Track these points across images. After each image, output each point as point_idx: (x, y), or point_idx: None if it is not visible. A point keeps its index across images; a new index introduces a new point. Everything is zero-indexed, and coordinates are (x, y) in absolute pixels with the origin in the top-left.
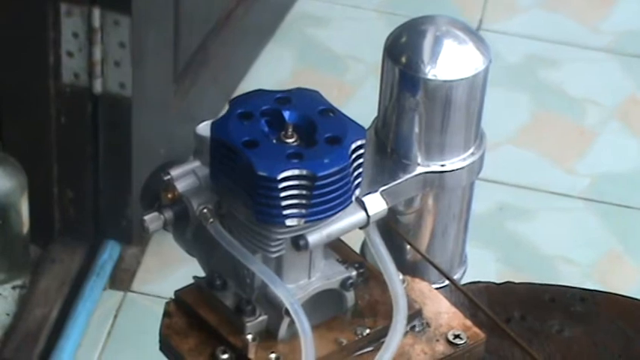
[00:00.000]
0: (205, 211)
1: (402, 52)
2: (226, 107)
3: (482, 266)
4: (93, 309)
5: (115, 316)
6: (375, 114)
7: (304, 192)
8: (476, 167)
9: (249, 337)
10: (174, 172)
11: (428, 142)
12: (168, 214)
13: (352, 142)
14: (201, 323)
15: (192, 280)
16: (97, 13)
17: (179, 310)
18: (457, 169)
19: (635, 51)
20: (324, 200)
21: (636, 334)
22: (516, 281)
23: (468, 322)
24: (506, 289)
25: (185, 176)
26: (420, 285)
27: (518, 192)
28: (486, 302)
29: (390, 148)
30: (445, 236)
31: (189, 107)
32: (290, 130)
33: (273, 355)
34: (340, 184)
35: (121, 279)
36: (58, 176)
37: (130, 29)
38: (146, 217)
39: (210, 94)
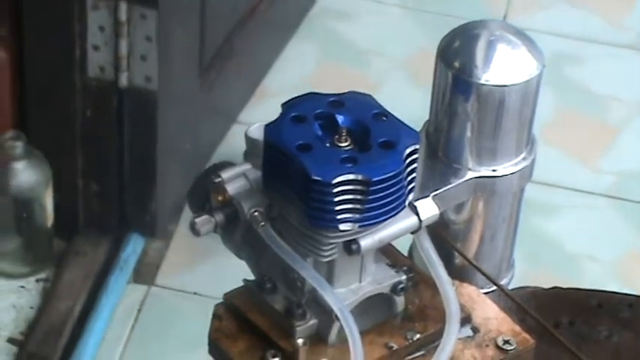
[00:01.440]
0: (256, 214)
1: (456, 57)
2: (252, 100)
3: None
4: (117, 303)
5: (139, 310)
6: (401, 108)
7: (358, 197)
8: (527, 172)
9: (300, 341)
10: (225, 175)
11: (479, 147)
12: (219, 216)
13: (406, 147)
14: (251, 327)
15: (217, 275)
16: (123, 6)
17: (228, 313)
18: (509, 174)
19: None
20: (378, 205)
21: None
22: (564, 286)
23: (517, 328)
24: (554, 294)
25: (236, 179)
26: (469, 290)
27: (543, 189)
28: (534, 307)
29: (441, 152)
30: (494, 241)
31: (214, 101)
32: (344, 133)
33: None
34: (394, 189)
35: (145, 273)
36: (83, 169)
37: (156, 23)
38: (197, 220)
39: (235, 88)
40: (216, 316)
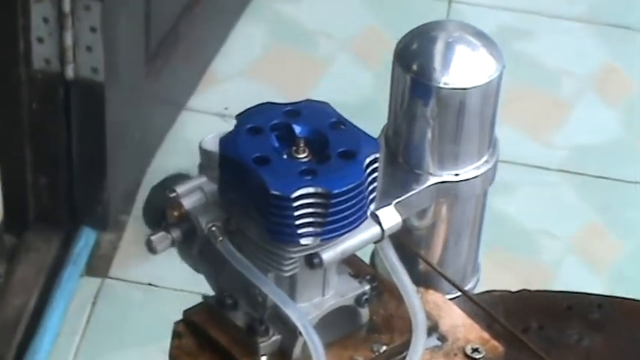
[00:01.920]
0: (214, 229)
1: (413, 60)
2: (200, 86)
3: None
4: (71, 297)
5: (94, 304)
6: (350, 89)
7: (319, 210)
8: (490, 175)
9: (264, 358)
10: (181, 189)
11: (441, 151)
12: (176, 233)
13: (366, 157)
14: (212, 344)
15: (171, 265)
16: None
17: (188, 331)
18: (471, 178)
19: (609, 20)
20: (340, 218)
21: None
22: (531, 289)
23: (486, 335)
24: (522, 297)
25: (191, 193)
26: (434, 297)
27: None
28: (502, 312)
29: (401, 158)
30: (458, 245)
31: (162, 89)
32: (301, 144)
33: None
34: (356, 200)
35: (98, 266)
36: (32, 163)
37: (101, 13)
38: (153, 238)
39: (182, 75)
40: (176, 334)
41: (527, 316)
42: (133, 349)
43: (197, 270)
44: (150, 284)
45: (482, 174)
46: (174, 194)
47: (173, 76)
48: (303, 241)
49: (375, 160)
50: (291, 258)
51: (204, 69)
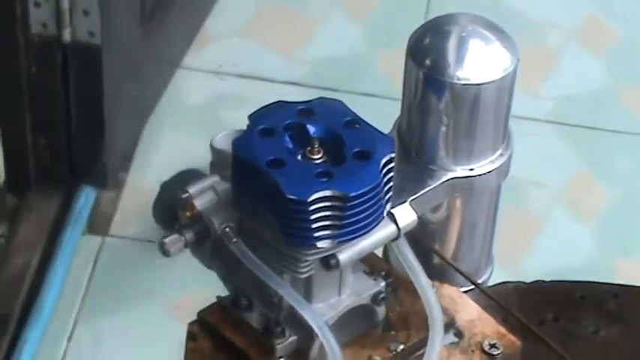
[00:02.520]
0: (227, 230)
1: (427, 55)
2: (194, 45)
3: None
4: (72, 255)
5: (95, 261)
6: (341, 44)
7: (336, 213)
8: (504, 169)
9: None
10: (193, 189)
11: (455, 147)
12: (189, 234)
13: (382, 157)
14: (228, 345)
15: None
16: None
17: (203, 332)
18: (486, 173)
19: None
20: (357, 220)
21: None
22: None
23: (502, 330)
24: (536, 288)
25: (204, 193)
26: (450, 291)
27: None
28: (516, 304)
29: (415, 153)
30: (473, 238)
31: (157, 48)
32: (316, 145)
33: None
34: (372, 202)
35: (99, 224)
36: (32, 125)
37: None
38: (166, 240)
39: (177, 34)
40: (190, 335)
41: (542, 308)
42: (135, 304)
43: (210, 268)
44: (149, 241)
45: (496, 168)
46: (186, 194)
47: (168, 36)
48: (319, 244)
49: (391, 160)
50: (307, 260)
51: (197, 28)
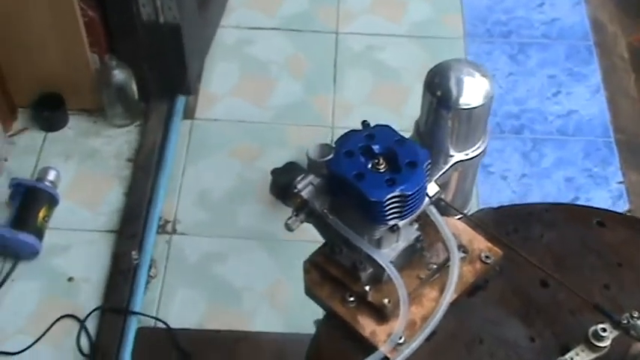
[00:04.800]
0: (325, 210)
1: (437, 89)
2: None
3: None
4: (178, 132)
5: (190, 133)
6: None
7: (400, 204)
8: (485, 152)
9: (367, 287)
10: (300, 186)
11: (457, 142)
12: (302, 216)
13: (424, 164)
14: (330, 276)
15: (232, 108)
16: None
17: (313, 268)
18: (475, 156)
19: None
20: (412, 205)
21: (588, 230)
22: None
23: (490, 245)
24: (500, 210)
25: (306, 187)
26: (453, 221)
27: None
28: (492, 221)
29: (431, 147)
30: (463, 190)
31: (208, 18)
32: (381, 159)
33: (386, 300)
34: (420, 193)
35: (189, 114)
36: (148, 62)
37: None
38: (289, 222)
39: (216, 8)
40: (305, 270)
41: (506, 223)
42: (219, 152)
43: (316, 228)
44: (216, 120)
45: (481, 152)
46: (296, 190)
47: (212, 11)
48: (390, 223)
49: (428, 164)
50: (381, 230)
51: (225, 2)
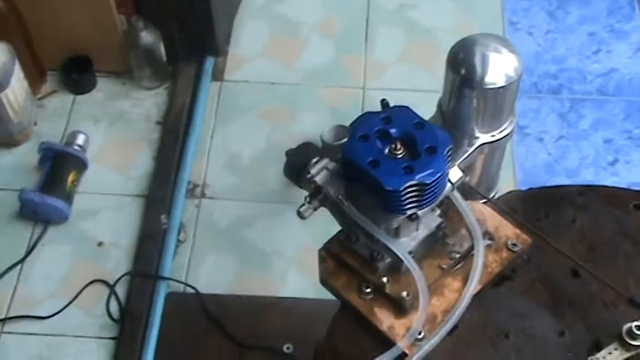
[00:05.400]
0: (340, 197)
1: (461, 66)
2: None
3: None
4: (207, 93)
5: (219, 94)
6: None
7: (419, 193)
8: (512, 133)
9: (384, 279)
10: (313, 170)
11: (483, 124)
12: (315, 203)
13: (445, 149)
14: (346, 266)
15: (259, 67)
16: None
17: (329, 257)
18: (502, 138)
19: None
20: (432, 194)
21: (624, 215)
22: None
23: (518, 231)
24: (530, 193)
25: (320, 172)
26: (479, 206)
27: None
28: (521, 206)
29: (455, 129)
30: (489, 173)
31: None
32: (398, 144)
33: (404, 293)
34: (441, 181)
35: (218, 75)
36: (178, 24)
37: None
38: (302, 209)
39: None
40: (321, 259)
41: (536, 208)
42: (249, 114)
43: (331, 213)
44: (245, 81)
45: (508, 134)
46: (309, 175)
47: None
48: (408, 212)
49: (449, 149)
50: (398, 219)
51: None
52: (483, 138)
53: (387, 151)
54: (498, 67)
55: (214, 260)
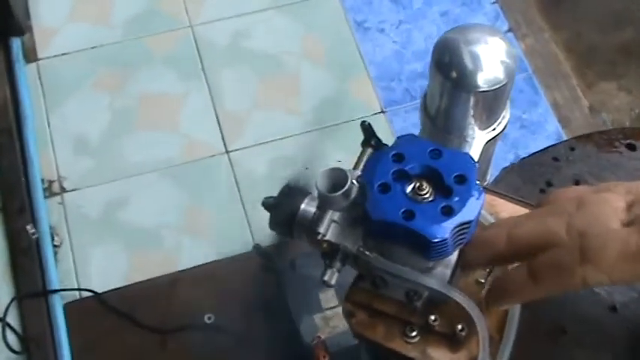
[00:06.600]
0: (362, 249)
1: (450, 70)
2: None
3: None
4: (26, 77)
5: (39, 75)
6: None
7: (465, 230)
8: (506, 127)
9: (431, 317)
10: (321, 229)
11: (480, 123)
12: (337, 265)
13: (474, 173)
14: (379, 313)
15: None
16: None
17: (356, 308)
18: (503, 129)
19: None
20: (475, 224)
21: (619, 156)
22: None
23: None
24: (523, 164)
25: (329, 227)
26: (488, 199)
27: None
28: (520, 181)
29: (449, 133)
30: (485, 161)
31: None
32: (423, 183)
33: (459, 327)
34: (481, 208)
35: (30, 55)
36: None
37: None
38: (325, 278)
39: None
40: (349, 313)
41: (535, 178)
42: (81, 89)
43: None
44: (64, 54)
45: (503, 128)
46: (320, 235)
47: None
48: (453, 253)
49: (476, 172)
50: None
51: None
52: (485, 136)
53: (409, 191)
54: (492, 61)
55: (100, 254)
